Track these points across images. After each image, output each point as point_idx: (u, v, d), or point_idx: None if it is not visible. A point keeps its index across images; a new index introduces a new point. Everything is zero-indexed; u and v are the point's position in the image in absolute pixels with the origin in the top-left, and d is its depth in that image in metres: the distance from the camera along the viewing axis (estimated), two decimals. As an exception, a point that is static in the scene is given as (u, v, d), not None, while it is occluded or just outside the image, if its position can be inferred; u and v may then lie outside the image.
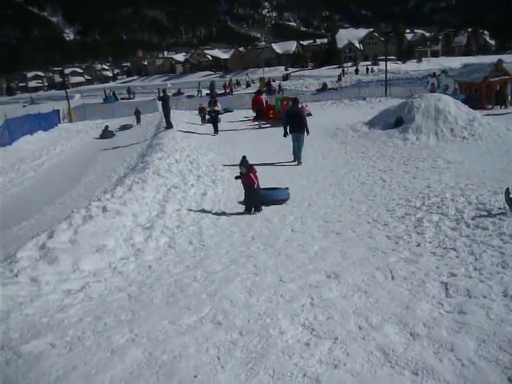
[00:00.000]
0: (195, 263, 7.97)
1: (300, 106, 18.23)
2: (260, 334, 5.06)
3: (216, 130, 25.54)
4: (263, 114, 29.91)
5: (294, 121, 17.14)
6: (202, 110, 30.24)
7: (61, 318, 5.95)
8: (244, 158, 11.27)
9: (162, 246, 9.13)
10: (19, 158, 26.68)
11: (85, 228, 9.15)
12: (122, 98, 66.87)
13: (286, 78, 76.44)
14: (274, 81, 66.13)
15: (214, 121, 25.64)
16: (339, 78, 68.63)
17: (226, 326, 5.34)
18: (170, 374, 4.44)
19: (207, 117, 28.10)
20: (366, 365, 4.35)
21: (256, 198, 11.18)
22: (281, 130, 22.80)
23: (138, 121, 34.92)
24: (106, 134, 31.39)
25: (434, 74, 35.51)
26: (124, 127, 34.43)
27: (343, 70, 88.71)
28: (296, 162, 16.89)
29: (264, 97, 32.67)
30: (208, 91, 60.13)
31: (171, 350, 4.89)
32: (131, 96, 69.16)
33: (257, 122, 28.51)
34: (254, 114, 30.12)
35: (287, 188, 12.27)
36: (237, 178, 11.51)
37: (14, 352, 5.09)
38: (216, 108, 25.10)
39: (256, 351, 4.74)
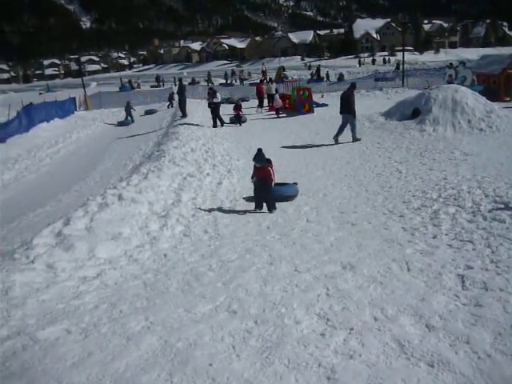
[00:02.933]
0: (210, 252, 7.99)
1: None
2: (275, 324, 5.07)
3: (215, 124, 24.03)
4: (266, 102, 31.03)
5: (342, 103, 18.23)
6: (238, 110, 25.54)
7: (77, 305, 6.00)
8: (260, 150, 10.66)
9: (178, 234, 9.14)
10: (36, 145, 26.80)
11: (100, 216, 9.18)
12: (152, 86, 67.09)
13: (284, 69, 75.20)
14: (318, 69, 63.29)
15: (215, 113, 24.04)
16: (397, 67, 62.52)
17: (241, 314, 5.36)
18: (185, 361, 4.47)
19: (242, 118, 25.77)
20: (381, 356, 4.35)
21: (269, 195, 10.55)
22: (297, 119, 22.91)
23: (172, 104, 36.12)
24: (129, 110, 31.89)
25: (451, 64, 35.15)
26: (149, 112, 35.47)
27: (360, 61, 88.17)
28: (334, 142, 18.01)
29: (274, 85, 32.43)
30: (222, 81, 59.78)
31: (186, 337, 4.91)
32: (160, 84, 69.27)
33: (273, 111, 28.50)
34: (269, 104, 30.13)
35: (296, 183, 11.78)
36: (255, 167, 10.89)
37: (30, 338, 5.13)
38: (215, 100, 24.05)
39: (271, 340, 4.75)
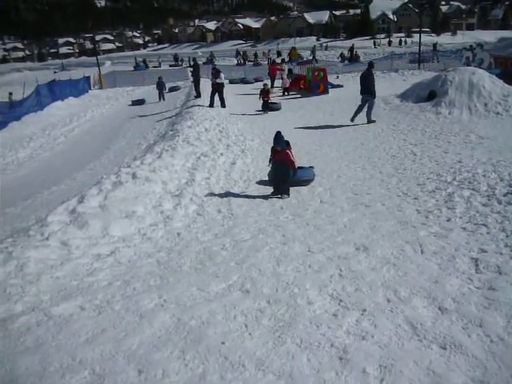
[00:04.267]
0: (224, 231, 8.01)
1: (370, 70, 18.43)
2: (288, 304, 5.09)
3: (212, 104, 22.83)
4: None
5: (363, 83, 18.16)
6: (265, 95, 22.97)
7: (90, 282, 6.05)
8: (279, 133, 10.15)
9: (191, 213, 9.16)
10: (50, 123, 26.93)
11: (114, 194, 9.22)
12: (171, 65, 66.99)
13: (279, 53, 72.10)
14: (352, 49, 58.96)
15: (220, 93, 22.86)
16: (434, 48, 59.82)
17: (253, 294, 5.38)
18: (198, 339, 4.50)
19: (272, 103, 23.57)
20: (393, 337, 4.36)
21: (287, 180, 10.07)
22: (311, 99, 22.85)
23: None
24: (161, 87, 31.35)
25: (471, 46, 34.65)
26: (173, 88, 35.66)
27: (375, 42, 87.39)
28: (351, 122, 18.03)
29: (287, 66, 32.29)
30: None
31: (199, 316, 4.94)
32: (179, 63, 69.02)
33: (285, 93, 28.54)
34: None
35: (312, 167, 11.47)
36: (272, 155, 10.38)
37: (44, 314, 5.19)
38: (218, 80, 22.95)
39: (284, 320, 4.77)
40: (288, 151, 9.92)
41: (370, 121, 17.70)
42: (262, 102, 22.91)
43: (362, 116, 17.75)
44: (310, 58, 51.14)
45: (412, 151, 12.86)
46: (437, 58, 42.50)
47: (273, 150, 10.23)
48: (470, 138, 13.65)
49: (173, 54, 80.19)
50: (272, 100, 23.89)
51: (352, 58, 51.69)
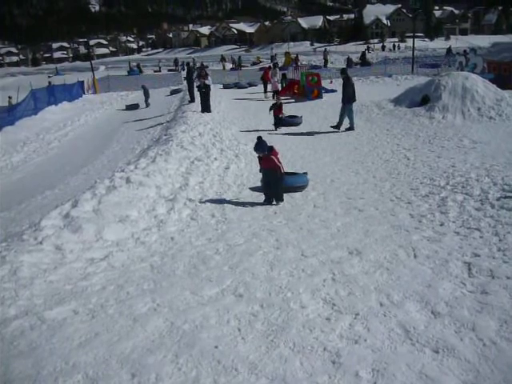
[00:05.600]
0: (217, 236, 8.00)
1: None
2: (281, 308, 5.09)
3: (208, 108, 22.09)
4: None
5: (353, 91, 18.02)
6: (278, 111, 18.82)
7: (84, 286, 6.03)
8: (260, 138, 9.79)
9: (185, 218, 9.15)
10: (44, 127, 26.91)
11: (108, 198, 9.20)
12: (170, 70, 67.03)
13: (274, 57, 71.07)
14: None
15: (205, 97, 22.12)
16: (449, 50, 57.95)
17: (247, 298, 5.38)
18: (192, 343, 4.50)
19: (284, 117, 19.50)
20: (386, 341, 4.36)
21: (279, 186, 9.85)
22: (305, 104, 22.84)
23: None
24: (147, 93, 31.63)
25: (465, 51, 34.66)
26: (175, 91, 36.09)
27: (368, 47, 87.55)
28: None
29: (279, 71, 32.42)
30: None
31: (192, 320, 4.94)
32: (178, 68, 69.05)
33: (282, 95, 28.62)
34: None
35: (305, 173, 11.17)
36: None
37: (37, 318, 5.17)
38: (207, 82, 22.22)
39: (277, 324, 4.77)
40: (272, 156, 9.61)
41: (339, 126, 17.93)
42: (273, 117, 18.89)
43: (357, 119, 17.83)
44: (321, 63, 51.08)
45: (405, 156, 12.91)
46: (451, 63, 41.09)
47: (259, 158, 9.97)
48: (464, 143, 13.71)
49: (173, 59, 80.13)
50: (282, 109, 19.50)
51: (365, 62, 51.37)
